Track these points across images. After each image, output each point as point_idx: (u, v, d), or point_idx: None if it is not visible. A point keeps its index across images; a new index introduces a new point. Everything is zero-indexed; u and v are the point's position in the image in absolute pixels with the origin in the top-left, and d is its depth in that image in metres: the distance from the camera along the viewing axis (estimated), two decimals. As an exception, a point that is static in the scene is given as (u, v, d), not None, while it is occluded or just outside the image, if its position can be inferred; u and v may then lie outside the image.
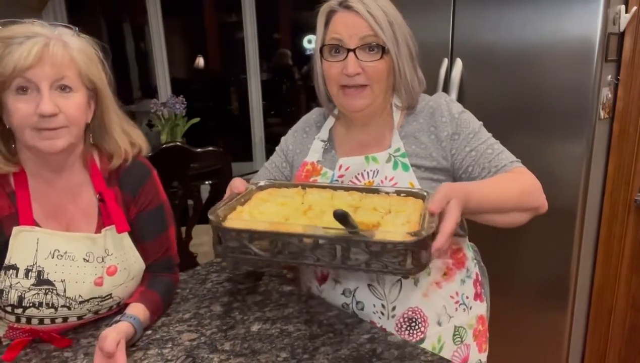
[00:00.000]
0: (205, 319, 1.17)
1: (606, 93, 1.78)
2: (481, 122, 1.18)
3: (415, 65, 1.15)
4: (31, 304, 1.05)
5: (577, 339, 2.02)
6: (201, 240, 2.46)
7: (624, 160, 1.86)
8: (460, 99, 1.98)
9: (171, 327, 1.15)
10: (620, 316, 2.00)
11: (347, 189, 1.07)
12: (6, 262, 1.03)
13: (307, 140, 1.29)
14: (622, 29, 1.75)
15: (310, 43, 5.06)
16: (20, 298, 1.04)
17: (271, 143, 4.66)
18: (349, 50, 1.08)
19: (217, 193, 2.74)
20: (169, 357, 1.03)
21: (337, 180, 1.18)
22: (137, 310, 1.09)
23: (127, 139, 1.16)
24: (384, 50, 1.08)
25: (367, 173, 1.16)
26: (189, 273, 1.41)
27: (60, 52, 0.99)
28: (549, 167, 1.82)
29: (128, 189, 1.17)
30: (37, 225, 1.06)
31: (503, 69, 1.91)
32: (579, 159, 1.78)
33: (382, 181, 1.14)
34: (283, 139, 1.36)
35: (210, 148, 2.18)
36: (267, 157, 5.12)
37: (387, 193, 1.04)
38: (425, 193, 1.02)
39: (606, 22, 1.67)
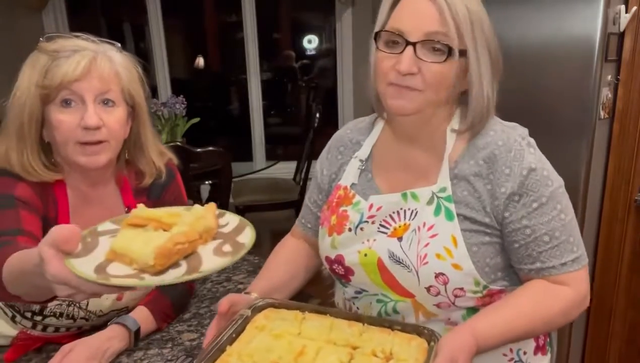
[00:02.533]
0: (205, 319, 1.17)
1: (606, 93, 1.78)
2: (558, 184, 0.94)
3: (495, 82, 0.95)
4: (52, 314, 1.05)
5: (577, 339, 2.02)
6: (201, 240, 2.46)
7: (624, 160, 1.86)
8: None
9: (171, 327, 1.15)
10: (620, 316, 2.00)
11: (348, 318, 0.93)
12: None
13: (343, 160, 1.11)
14: (622, 29, 1.75)
15: (310, 43, 5.06)
16: (43, 307, 1.04)
17: (271, 143, 4.67)
18: (407, 43, 0.88)
19: (217, 193, 2.75)
20: (169, 357, 1.03)
21: (366, 221, 1.00)
22: (139, 315, 1.09)
23: (162, 158, 1.16)
24: (450, 53, 0.87)
25: (405, 212, 0.98)
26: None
27: (107, 66, 1.00)
28: (549, 167, 1.82)
29: (154, 196, 1.17)
30: None
31: (503, 69, 1.91)
32: (579, 159, 1.78)
33: (419, 228, 0.95)
34: (317, 163, 1.17)
35: (210, 148, 2.18)
36: (267, 157, 5.08)
37: (392, 327, 0.90)
38: (429, 334, 0.87)
39: (606, 22, 1.67)
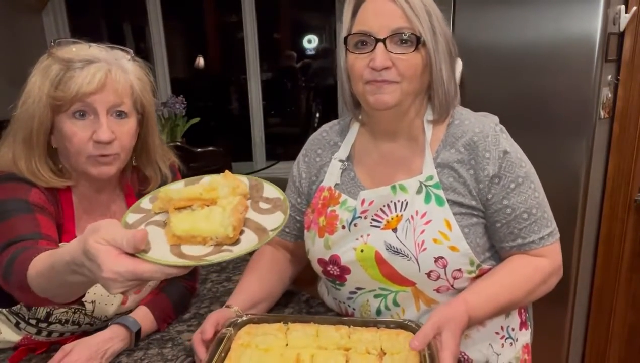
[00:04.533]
0: (206, 319, 1.17)
1: (606, 93, 1.78)
2: (529, 166, 1.03)
3: (454, 67, 1.00)
4: (57, 320, 1.05)
5: (577, 339, 2.02)
6: (201, 240, 2.46)
7: (624, 160, 1.86)
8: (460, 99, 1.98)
9: (171, 327, 1.15)
10: (620, 316, 2.00)
11: (334, 323, 0.94)
12: None
13: (322, 161, 1.13)
14: (622, 29, 1.75)
15: (310, 43, 5.06)
16: (48, 314, 1.04)
17: (271, 143, 4.67)
18: (377, 41, 0.93)
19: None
20: (169, 357, 1.03)
21: (359, 217, 1.03)
22: (140, 315, 1.10)
23: (165, 162, 1.16)
24: (418, 42, 0.93)
25: (395, 204, 1.01)
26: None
27: (122, 78, 0.99)
28: (549, 167, 1.82)
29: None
30: None
31: (503, 69, 1.91)
32: (579, 159, 1.78)
33: (412, 216, 0.99)
34: (294, 167, 1.18)
35: (210, 148, 2.19)
36: (267, 157, 5.09)
37: (376, 325, 0.93)
38: (416, 327, 0.91)
39: (606, 22, 1.67)
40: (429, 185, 1.00)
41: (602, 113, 1.77)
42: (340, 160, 1.10)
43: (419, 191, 1.00)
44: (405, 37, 0.93)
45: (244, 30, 4.30)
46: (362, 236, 1.02)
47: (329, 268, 1.07)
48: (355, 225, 1.03)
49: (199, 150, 2.15)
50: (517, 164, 0.99)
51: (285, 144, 4.88)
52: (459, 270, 0.98)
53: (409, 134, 1.04)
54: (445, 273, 0.98)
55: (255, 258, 1.20)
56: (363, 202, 1.02)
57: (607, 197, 1.92)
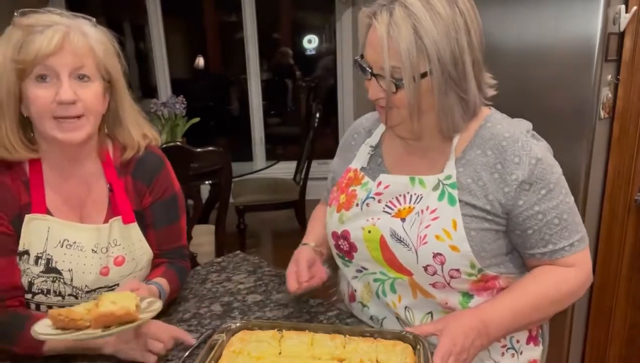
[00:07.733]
0: (205, 319, 1.17)
1: (606, 93, 1.78)
2: (560, 171, 1.01)
3: (463, 85, 0.96)
4: (39, 290, 1.07)
5: (577, 339, 2.02)
6: (201, 240, 2.46)
7: (624, 160, 1.86)
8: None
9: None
10: (620, 316, 2.00)
11: (328, 332, 0.93)
12: (20, 248, 1.06)
13: (355, 146, 1.19)
14: (622, 29, 1.75)
15: (310, 43, 5.07)
16: (30, 284, 1.07)
17: (271, 143, 4.67)
18: (372, 74, 0.96)
19: (217, 193, 2.74)
20: (169, 357, 1.03)
21: (373, 198, 1.06)
22: (161, 281, 1.14)
23: (140, 130, 1.18)
24: (397, 86, 0.93)
25: (410, 196, 1.03)
26: (189, 273, 1.41)
27: (81, 41, 1.01)
28: (549, 167, 1.83)
29: (142, 179, 1.19)
30: (49, 214, 1.09)
31: (503, 68, 1.90)
32: (579, 159, 1.78)
33: (422, 211, 1.00)
34: (336, 155, 1.26)
35: (210, 148, 2.18)
36: (267, 157, 5.08)
37: (373, 335, 0.92)
38: (413, 338, 0.90)
39: (606, 22, 1.67)
40: (446, 184, 1.00)
41: (602, 113, 1.77)
42: (371, 146, 1.15)
43: (435, 188, 1.01)
44: (395, 75, 0.92)
45: (244, 30, 4.30)
46: (372, 218, 1.06)
47: (339, 243, 1.12)
48: (367, 205, 1.06)
49: (199, 150, 2.15)
50: (548, 170, 0.98)
51: (285, 144, 4.89)
52: (457, 270, 0.98)
53: (433, 135, 1.03)
54: (442, 270, 0.99)
55: (318, 209, 1.32)
56: (379, 184, 1.06)
57: (607, 197, 1.92)
